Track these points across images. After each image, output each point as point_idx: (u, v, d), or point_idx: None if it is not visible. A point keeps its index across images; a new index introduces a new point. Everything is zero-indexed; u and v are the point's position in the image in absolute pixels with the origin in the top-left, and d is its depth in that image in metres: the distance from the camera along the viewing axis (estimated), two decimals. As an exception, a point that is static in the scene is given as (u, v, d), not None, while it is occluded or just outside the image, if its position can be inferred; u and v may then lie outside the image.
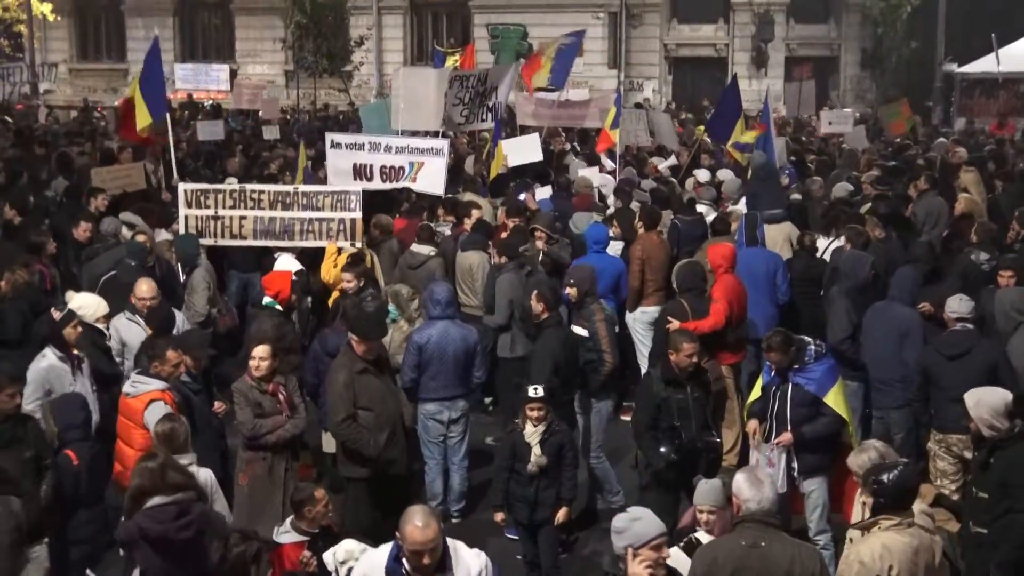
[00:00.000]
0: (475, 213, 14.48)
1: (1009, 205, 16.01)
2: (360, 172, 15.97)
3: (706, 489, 7.51)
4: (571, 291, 10.85)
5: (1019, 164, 21.00)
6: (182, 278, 13.23)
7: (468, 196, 16.19)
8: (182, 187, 14.54)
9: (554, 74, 24.26)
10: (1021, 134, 28.15)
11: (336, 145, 16.36)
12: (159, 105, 17.76)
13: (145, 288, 11.00)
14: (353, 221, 13.91)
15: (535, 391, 8.92)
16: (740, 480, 6.57)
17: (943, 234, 14.71)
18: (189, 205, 14.14)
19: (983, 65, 35.04)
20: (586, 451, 10.65)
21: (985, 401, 7.73)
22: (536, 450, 8.87)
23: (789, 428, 9.22)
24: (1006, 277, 11.39)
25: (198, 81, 43.17)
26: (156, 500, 7.02)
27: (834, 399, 9.24)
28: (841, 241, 13.30)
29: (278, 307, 11.19)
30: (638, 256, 13.31)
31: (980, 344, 9.79)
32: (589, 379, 10.65)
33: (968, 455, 9.42)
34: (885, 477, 6.65)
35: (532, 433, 8.91)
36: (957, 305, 9.91)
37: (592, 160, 20.68)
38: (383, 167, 15.94)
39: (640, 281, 13.27)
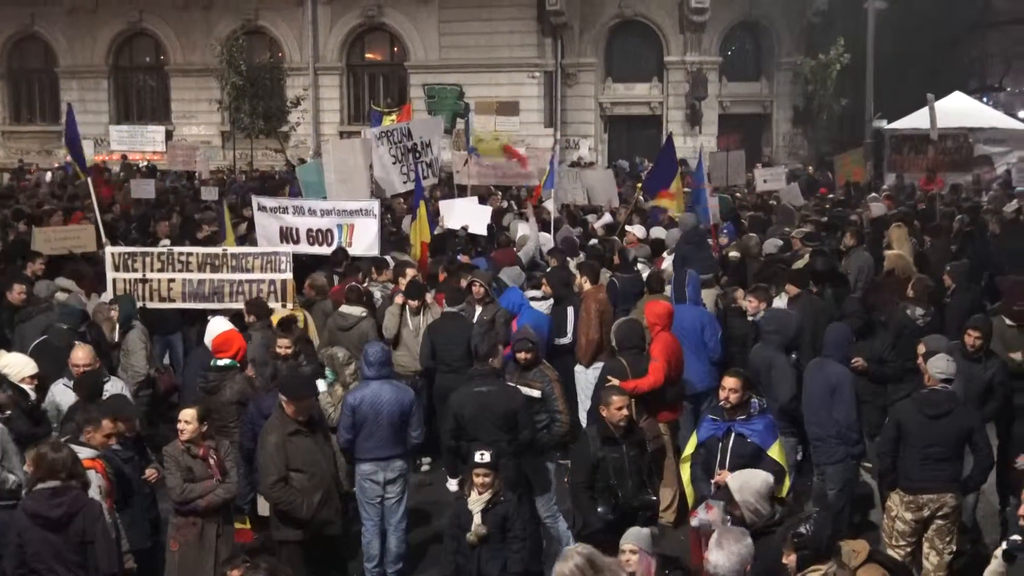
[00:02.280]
0: (409, 272, 14.45)
1: (937, 260, 16.24)
2: (287, 235, 15.98)
3: (636, 531, 7.61)
4: (526, 356, 10.87)
5: (946, 219, 21.29)
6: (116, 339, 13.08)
7: (403, 256, 16.17)
8: (109, 250, 14.44)
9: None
10: (950, 189, 28.57)
11: (262, 208, 16.37)
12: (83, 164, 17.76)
13: (80, 355, 10.84)
14: (284, 282, 13.87)
15: (481, 456, 8.79)
16: (711, 544, 6.60)
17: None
18: (116, 268, 14.04)
19: (912, 121, 35.59)
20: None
21: (750, 485, 7.47)
22: (477, 519, 8.71)
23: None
24: (973, 337, 11.18)
25: (133, 142, 42.99)
26: (40, 486, 7.94)
27: (777, 453, 9.26)
28: (781, 299, 13.40)
29: (238, 365, 11.09)
30: (593, 308, 13.32)
31: (960, 407, 9.70)
32: (540, 439, 10.63)
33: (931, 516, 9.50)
34: (804, 529, 6.66)
35: (475, 501, 8.78)
36: (944, 366, 9.72)
37: (524, 219, 20.74)
38: (309, 230, 15.96)
39: (599, 333, 13.26)
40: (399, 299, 13.56)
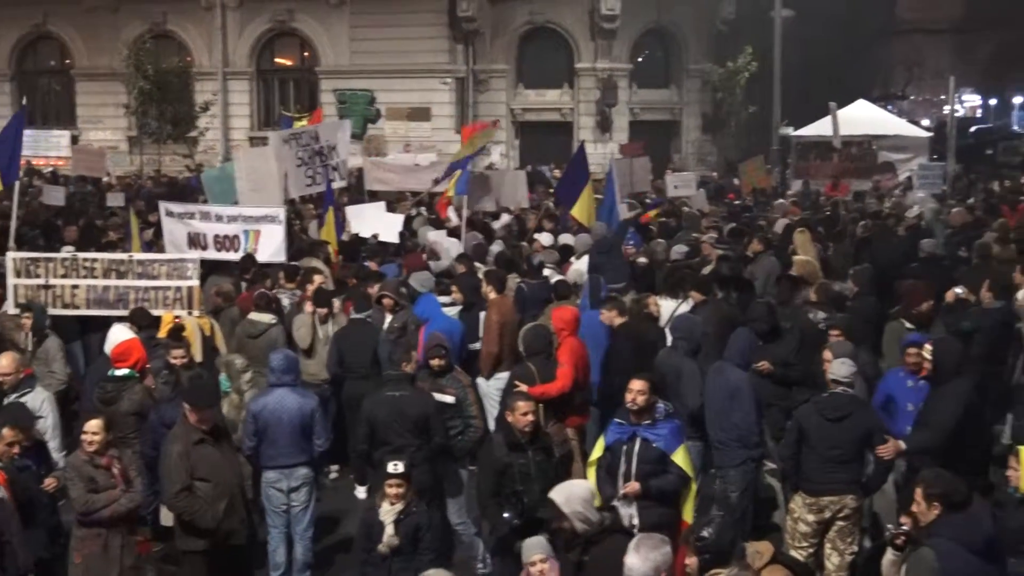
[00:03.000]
0: (317, 279, 14.37)
1: (839, 265, 16.50)
2: (195, 241, 15.87)
3: (536, 542, 7.59)
4: (439, 362, 10.91)
5: (850, 225, 21.66)
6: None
7: (312, 262, 16.07)
8: (10, 256, 14.19)
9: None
10: (854, 195, 29.07)
11: (170, 214, 16.22)
12: (12, 171, 17.31)
13: (4, 362, 10.66)
14: (190, 289, 13.71)
15: (395, 467, 8.77)
16: (628, 548, 6.64)
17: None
18: (18, 274, 13.78)
19: (818, 128, 36.21)
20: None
21: (575, 494, 7.49)
22: (389, 530, 8.69)
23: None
24: (834, 335, 11.60)
25: (38, 147, 42.04)
26: None
27: (681, 458, 9.33)
28: (689, 304, 13.53)
29: (137, 376, 10.91)
30: (495, 320, 13.33)
31: (860, 408, 9.85)
32: (453, 445, 10.65)
33: (832, 518, 9.64)
34: (706, 532, 6.73)
35: (387, 511, 8.75)
36: (843, 370, 9.88)
37: (437, 225, 20.73)
38: (216, 236, 15.84)
39: (499, 347, 13.28)
40: (308, 307, 13.48)
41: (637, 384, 9.35)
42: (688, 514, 9.45)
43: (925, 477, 7.59)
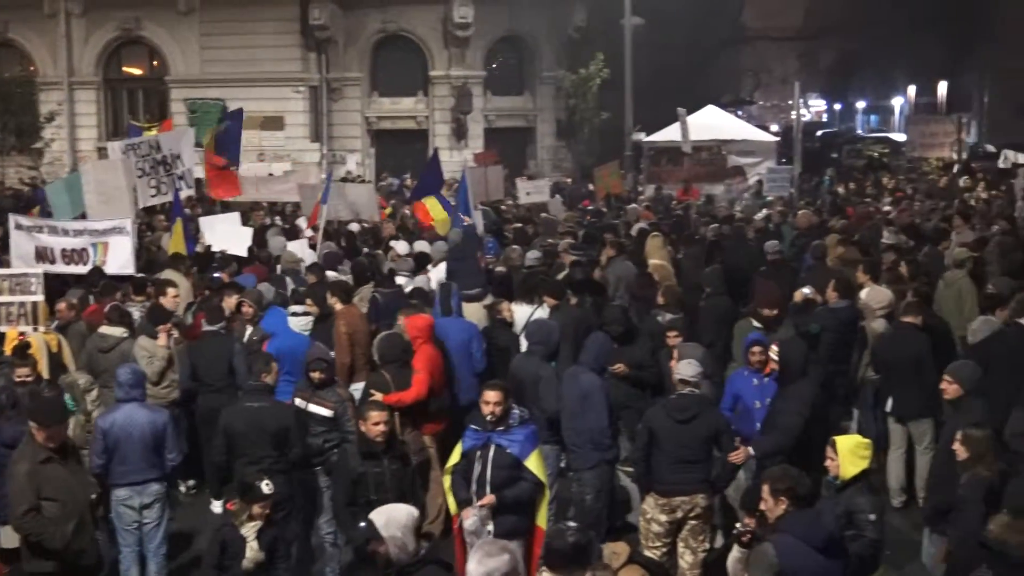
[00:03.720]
0: (171, 292, 14.09)
1: (691, 268, 16.81)
2: (42, 255, 15.49)
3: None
4: (319, 375, 10.86)
5: (700, 229, 22.08)
6: None
7: (167, 274, 15.76)
8: None
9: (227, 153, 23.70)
10: (705, 199, 29.62)
11: (19, 227, 15.80)
12: None
13: None
14: (34, 305, 13.32)
15: (268, 487, 8.70)
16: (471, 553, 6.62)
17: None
18: None
19: (669, 134, 36.81)
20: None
21: (395, 519, 7.23)
22: (253, 545, 8.62)
23: (489, 490, 9.29)
24: (671, 336, 11.80)
25: None
26: None
27: (534, 464, 9.38)
28: (544, 310, 13.63)
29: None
30: (343, 331, 13.25)
31: (707, 409, 9.98)
32: (326, 459, 10.62)
33: (684, 517, 9.80)
34: (560, 542, 6.76)
35: (250, 527, 8.67)
36: (690, 371, 10.00)
37: (292, 234, 20.51)
38: (64, 250, 15.49)
39: (350, 356, 13.21)
40: (162, 339, 13.12)
41: (492, 395, 9.37)
42: (542, 520, 9.53)
43: (771, 474, 7.78)
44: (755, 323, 12.90)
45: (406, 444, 10.25)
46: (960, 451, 8.70)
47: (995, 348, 11.84)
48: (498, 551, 6.59)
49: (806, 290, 14.68)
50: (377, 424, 9.34)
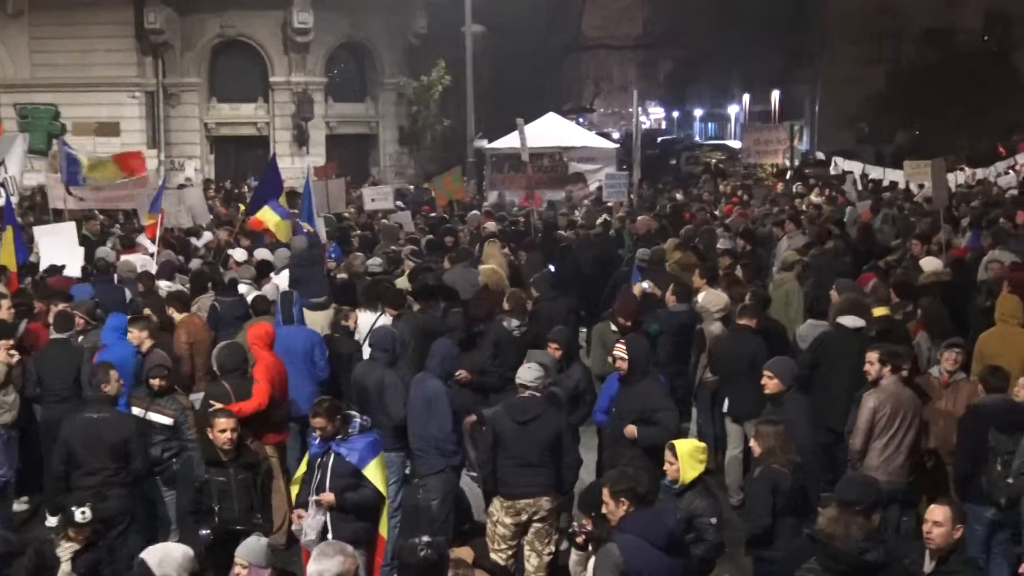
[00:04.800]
0: (4, 304, 13.62)
1: (529, 273, 16.93)
2: None
3: (250, 544, 7.58)
4: (159, 382, 10.74)
5: (539, 234, 22.29)
6: None
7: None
8: None
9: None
10: (547, 205, 29.87)
11: None
12: None
13: None
14: None
15: (83, 515, 8.55)
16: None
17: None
18: None
19: (511, 141, 36.92)
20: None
21: (171, 557, 7.17)
22: (65, 567, 8.45)
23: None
24: (552, 348, 11.80)
25: None
26: None
27: (374, 472, 9.36)
28: (388, 317, 13.59)
29: None
30: (184, 341, 13.01)
31: (547, 411, 10.03)
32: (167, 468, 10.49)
33: (529, 520, 9.87)
34: (413, 557, 6.76)
35: (65, 548, 8.51)
36: (525, 373, 10.10)
37: (129, 243, 20.03)
38: None
39: (190, 366, 12.96)
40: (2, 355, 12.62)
41: (316, 421, 9.37)
42: (384, 528, 9.53)
43: (609, 476, 7.91)
44: (613, 326, 13.08)
45: (255, 454, 10.12)
46: (754, 446, 9.01)
47: (824, 349, 12.29)
48: (334, 552, 6.61)
49: (644, 284, 14.99)
50: (224, 431, 9.28)
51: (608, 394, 11.17)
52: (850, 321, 12.33)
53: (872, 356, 10.60)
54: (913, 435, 10.45)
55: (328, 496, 9.20)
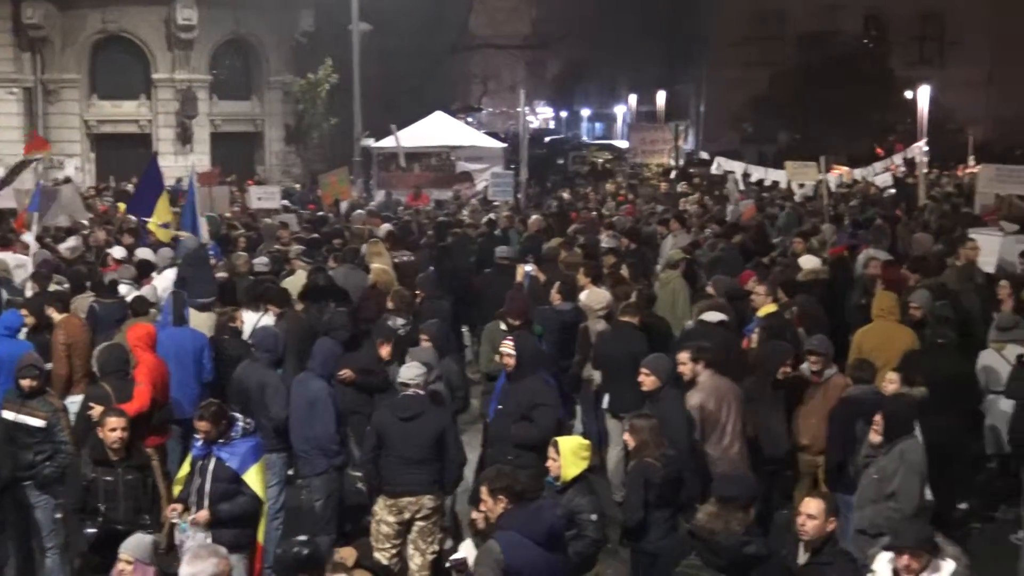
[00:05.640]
0: None
1: (416, 272, 16.91)
2: None
3: (134, 541, 7.53)
4: (30, 383, 10.41)
5: (427, 234, 22.29)
6: None
7: None
8: None
9: None
10: (435, 204, 29.89)
11: None
12: None
13: None
14: None
15: None
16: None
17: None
18: None
19: (399, 140, 36.99)
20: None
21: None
22: None
23: (208, 504, 9.14)
24: (424, 341, 11.79)
25: None
26: None
27: (254, 478, 9.28)
28: (270, 317, 13.47)
29: None
30: (61, 342, 12.74)
31: (430, 409, 10.04)
32: (42, 472, 10.27)
33: (412, 518, 9.87)
34: (289, 555, 6.73)
35: None
36: (406, 371, 10.12)
37: (4, 242, 19.56)
38: None
39: (67, 368, 12.70)
40: None
41: (201, 425, 9.28)
42: (262, 534, 9.45)
43: (487, 474, 7.98)
44: (502, 325, 13.12)
45: (146, 455, 9.97)
46: (627, 440, 9.15)
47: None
48: (208, 555, 6.59)
49: (528, 267, 15.11)
50: (114, 430, 9.16)
51: (497, 393, 11.24)
52: (712, 316, 12.55)
53: (683, 356, 10.76)
54: (741, 421, 10.60)
55: (203, 515, 9.11)
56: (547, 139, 69.66)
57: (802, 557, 7.67)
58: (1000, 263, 16.82)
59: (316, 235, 20.71)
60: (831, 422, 10.45)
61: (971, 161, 39.38)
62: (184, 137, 42.74)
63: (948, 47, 63.19)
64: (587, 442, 9.03)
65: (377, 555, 9.73)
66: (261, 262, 16.93)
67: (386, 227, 21.39)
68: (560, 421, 10.70)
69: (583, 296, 14.39)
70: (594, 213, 27.01)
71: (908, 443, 9.25)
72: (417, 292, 15.09)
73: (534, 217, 23.76)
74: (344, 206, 28.18)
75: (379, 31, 41.16)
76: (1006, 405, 11.92)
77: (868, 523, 8.69)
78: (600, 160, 56.68)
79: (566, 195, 34.96)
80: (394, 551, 9.94)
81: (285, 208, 27.79)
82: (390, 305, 13.80)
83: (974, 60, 61.16)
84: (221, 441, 9.26)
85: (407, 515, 9.90)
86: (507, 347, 10.69)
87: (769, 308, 13.31)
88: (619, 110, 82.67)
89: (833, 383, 11.01)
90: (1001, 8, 61.37)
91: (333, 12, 41.60)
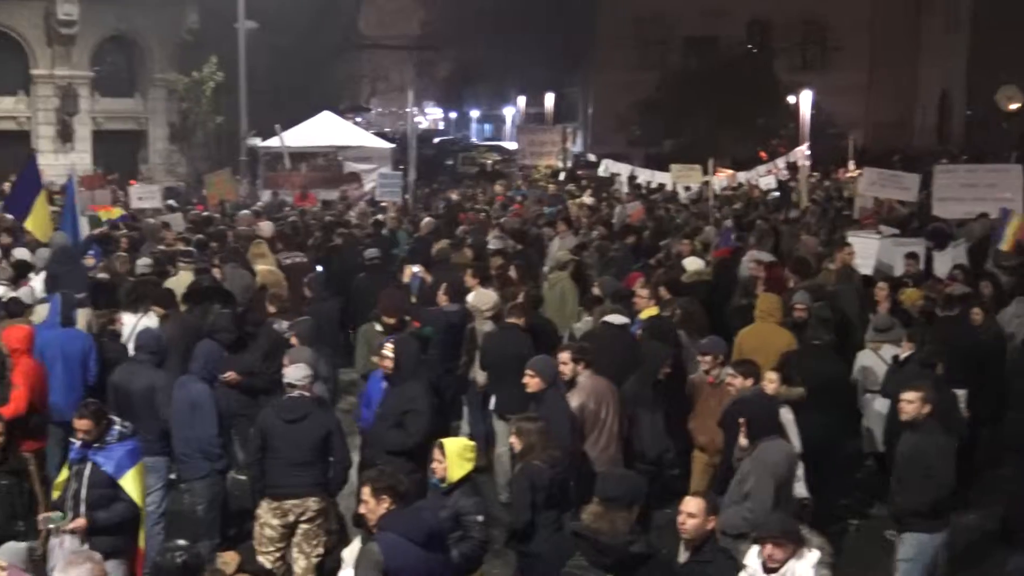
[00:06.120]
0: None
1: (302, 273, 16.76)
2: None
3: (9, 547, 7.42)
4: None
5: (316, 233, 22.13)
6: None
7: None
8: None
9: None
10: (322, 205, 29.64)
11: None
12: None
13: None
14: None
15: None
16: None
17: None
18: None
19: (286, 140, 36.67)
20: None
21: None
22: None
23: (84, 509, 8.97)
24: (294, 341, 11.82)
25: None
26: None
27: (131, 483, 9.12)
28: (151, 319, 13.25)
29: None
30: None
31: (316, 411, 9.98)
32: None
33: (296, 521, 9.76)
34: (168, 563, 6.64)
35: None
36: (292, 373, 10.06)
37: None
38: None
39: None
40: None
41: (81, 424, 9.11)
42: (142, 540, 9.30)
43: (369, 475, 7.95)
44: (378, 327, 13.06)
45: (25, 460, 9.74)
46: (514, 443, 9.20)
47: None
48: (82, 560, 6.50)
49: (415, 269, 15.18)
50: None
51: (367, 394, 11.20)
52: (616, 318, 12.64)
53: (564, 356, 10.87)
54: (618, 422, 10.73)
55: (79, 523, 8.92)
56: (436, 140, 69.70)
57: (683, 555, 7.77)
58: (878, 265, 17.24)
59: (201, 236, 20.38)
60: (723, 426, 10.57)
61: (851, 165, 40.34)
62: (64, 135, 41.97)
63: (830, 53, 64.41)
64: (472, 443, 9.03)
65: (261, 559, 9.69)
66: (143, 263, 16.64)
67: (267, 224, 21.20)
68: (434, 427, 10.61)
69: (470, 297, 14.40)
70: (482, 214, 27.04)
71: (767, 443, 9.36)
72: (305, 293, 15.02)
73: (426, 219, 23.70)
74: (228, 206, 27.84)
75: (266, 29, 40.80)
76: (881, 405, 12.20)
77: (727, 524, 8.79)
78: (489, 161, 56.83)
79: (454, 196, 34.99)
80: (278, 555, 9.84)
81: (170, 208, 27.33)
82: (271, 309, 13.68)
83: (854, 66, 62.45)
84: (96, 445, 9.08)
85: (292, 518, 9.81)
86: (387, 350, 10.67)
87: (651, 311, 13.42)
88: (508, 112, 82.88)
89: (726, 385, 11.13)
90: (881, 16, 62.91)
91: (219, 10, 41.11)
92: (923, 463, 9.51)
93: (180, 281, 15.45)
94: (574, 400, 10.56)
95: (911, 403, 9.62)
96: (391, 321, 12.93)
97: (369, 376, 11.88)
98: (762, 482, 9.13)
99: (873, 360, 12.69)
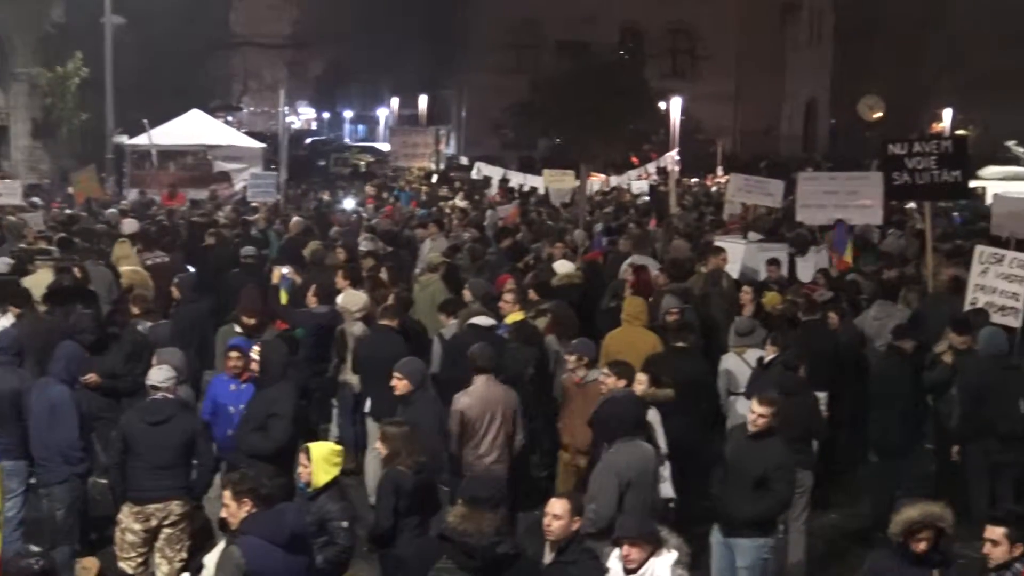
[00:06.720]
0: None
1: (167, 273, 16.49)
2: None
3: None
4: None
5: (183, 232, 21.81)
6: None
7: None
8: None
9: None
10: (191, 204, 29.18)
11: None
12: None
13: None
14: None
15: None
16: None
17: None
18: None
19: (155, 138, 36.10)
20: None
21: None
22: None
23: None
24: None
25: None
26: None
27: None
28: (8, 318, 12.91)
29: None
30: None
31: (180, 413, 9.86)
32: None
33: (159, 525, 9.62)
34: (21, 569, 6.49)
35: None
36: (155, 374, 9.90)
37: None
38: None
39: None
40: None
41: None
42: (-1, 546, 9.07)
43: (231, 478, 7.84)
44: (237, 328, 12.89)
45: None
46: (380, 448, 9.18)
47: (459, 347, 12.57)
48: None
49: (284, 270, 15.20)
50: None
51: (210, 397, 11.08)
52: (482, 320, 12.68)
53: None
54: (505, 432, 10.69)
55: None
56: (308, 140, 69.10)
57: (548, 556, 7.81)
58: (743, 270, 17.54)
59: (64, 234, 19.90)
60: (593, 427, 10.63)
61: (719, 171, 41.08)
62: (-79, 130, 40.66)
63: (699, 62, 65.53)
64: (339, 448, 8.98)
65: (122, 564, 9.56)
66: (3, 262, 16.20)
67: (131, 223, 20.82)
68: (298, 431, 10.51)
69: (340, 298, 14.30)
70: (354, 216, 26.90)
71: (621, 445, 9.39)
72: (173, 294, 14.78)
73: (295, 219, 23.47)
74: (95, 205, 27.26)
75: (134, 25, 40.08)
76: (744, 407, 12.40)
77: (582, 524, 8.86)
78: (362, 162, 56.58)
79: (326, 197, 34.76)
80: (140, 560, 9.68)
81: (33, 205, 26.62)
82: (135, 310, 13.43)
83: (722, 75, 63.67)
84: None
85: (154, 522, 9.65)
86: (253, 353, 10.56)
87: (516, 316, 13.38)
88: (382, 113, 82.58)
89: (592, 387, 11.19)
90: (747, 28, 64.22)
91: (85, 4, 40.21)
92: (757, 475, 9.52)
93: (38, 280, 15.07)
94: (458, 404, 10.57)
95: (763, 417, 9.59)
96: (250, 322, 12.76)
97: (212, 379, 11.76)
98: (606, 483, 9.16)
99: (736, 363, 12.85)
